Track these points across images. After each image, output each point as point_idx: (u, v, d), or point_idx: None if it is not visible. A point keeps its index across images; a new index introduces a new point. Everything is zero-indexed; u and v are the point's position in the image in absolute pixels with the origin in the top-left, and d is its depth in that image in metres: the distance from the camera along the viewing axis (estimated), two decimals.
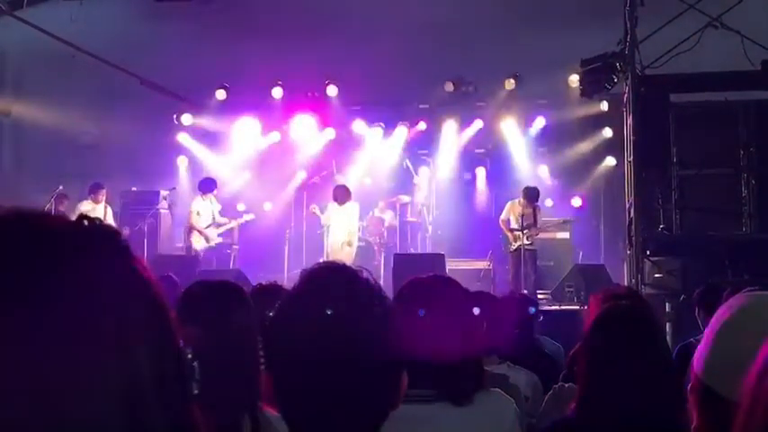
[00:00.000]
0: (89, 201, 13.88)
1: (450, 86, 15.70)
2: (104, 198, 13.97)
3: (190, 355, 0.85)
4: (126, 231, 14.09)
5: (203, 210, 13.99)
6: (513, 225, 13.01)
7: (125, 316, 0.74)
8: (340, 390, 1.42)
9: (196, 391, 0.87)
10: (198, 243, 13.78)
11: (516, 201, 13.18)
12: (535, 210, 13.20)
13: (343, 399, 1.42)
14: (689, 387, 1.53)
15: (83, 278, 0.73)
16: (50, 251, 0.73)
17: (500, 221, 13.47)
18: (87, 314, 0.71)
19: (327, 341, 1.42)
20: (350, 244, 13.51)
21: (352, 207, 13.70)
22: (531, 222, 13.06)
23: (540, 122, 15.47)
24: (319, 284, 1.52)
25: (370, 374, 1.43)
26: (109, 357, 0.71)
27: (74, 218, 0.78)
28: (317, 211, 14.02)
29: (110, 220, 13.68)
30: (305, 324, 1.45)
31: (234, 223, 14.37)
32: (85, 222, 0.79)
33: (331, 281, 1.52)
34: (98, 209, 13.75)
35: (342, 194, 13.58)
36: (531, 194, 13.21)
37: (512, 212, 13.09)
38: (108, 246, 0.78)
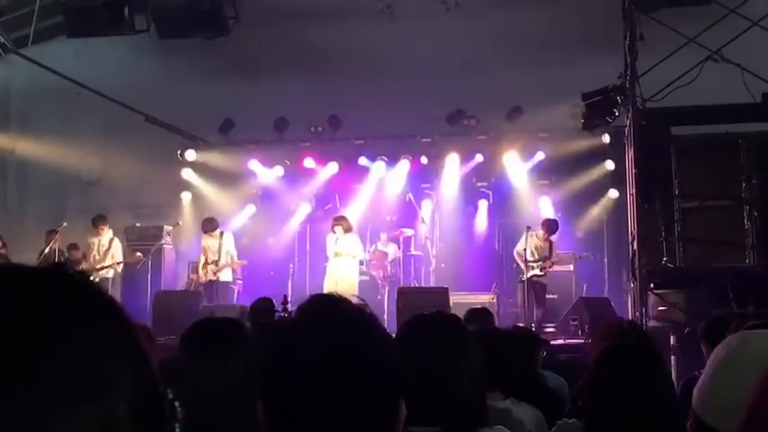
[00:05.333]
0: (93, 235, 13.98)
1: (451, 120, 15.78)
2: (105, 230, 13.95)
3: (171, 396, 0.85)
4: (139, 255, 14.24)
5: (206, 244, 14.14)
6: (529, 257, 13.07)
7: (102, 362, 0.74)
8: (335, 422, 1.41)
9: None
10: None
11: (533, 233, 13.24)
12: (551, 243, 13.29)
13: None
14: (688, 423, 1.54)
15: (53, 327, 0.72)
16: (17, 301, 0.73)
17: (515, 253, 13.53)
18: (60, 363, 0.71)
19: (326, 376, 1.42)
20: (346, 278, 13.54)
21: (351, 237, 13.76)
22: (546, 255, 13.16)
23: (539, 156, 15.52)
24: (314, 319, 1.52)
25: (365, 404, 1.43)
26: (83, 405, 0.71)
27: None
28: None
29: (115, 251, 13.74)
30: (302, 361, 1.45)
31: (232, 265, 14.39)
32: (55, 269, 0.79)
33: (325, 314, 1.53)
34: (103, 240, 13.82)
35: (339, 224, 13.64)
36: (553, 226, 13.34)
37: (528, 244, 13.14)
38: (81, 293, 0.78)
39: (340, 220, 13.75)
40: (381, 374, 1.46)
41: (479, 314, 6.89)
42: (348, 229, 13.66)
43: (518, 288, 13.44)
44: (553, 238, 13.51)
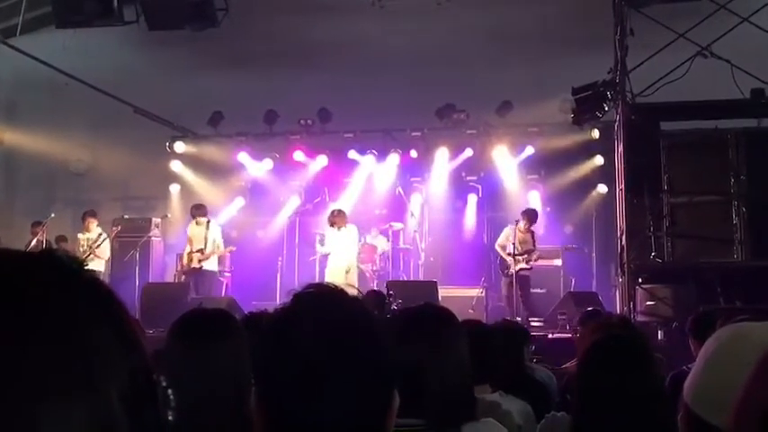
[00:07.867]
0: (81, 230, 14.01)
1: (441, 114, 15.77)
2: (93, 225, 13.93)
3: (164, 384, 0.84)
4: (115, 228, 14.06)
5: (192, 233, 14.06)
6: (511, 250, 13.08)
7: (96, 352, 0.72)
8: (331, 412, 1.41)
9: (170, 418, 0.85)
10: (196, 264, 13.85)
11: (515, 226, 13.25)
12: (533, 235, 13.31)
13: (335, 422, 1.41)
14: (679, 416, 1.54)
15: (49, 316, 0.71)
16: (9, 289, 0.71)
17: (497, 246, 13.53)
18: (56, 355, 0.69)
19: (318, 361, 1.41)
20: (348, 270, 13.49)
21: (350, 231, 13.68)
22: (530, 248, 13.18)
23: (528, 150, 15.53)
24: (309, 305, 1.51)
25: (362, 395, 1.43)
26: (78, 397, 0.69)
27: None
28: (320, 248, 14.12)
29: (103, 246, 13.71)
30: (295, 345, 1.45)
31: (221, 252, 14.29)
32: (49, 255, 0.78)
33: (321, 301, 1.52)
34: (91, 236, 13.80)
35: (338, 219, 13.55)
36: (533, 216, 13.33)
37: (510, 238, 13.16)
38: (75, 280, 0.76)
39: (335, 216, 13.62)
40: (375, 365, 1.45)
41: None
42: (343, 223, 13.57)
43: (504, 282, 13.45)
44: (534, 228, 13.51)
